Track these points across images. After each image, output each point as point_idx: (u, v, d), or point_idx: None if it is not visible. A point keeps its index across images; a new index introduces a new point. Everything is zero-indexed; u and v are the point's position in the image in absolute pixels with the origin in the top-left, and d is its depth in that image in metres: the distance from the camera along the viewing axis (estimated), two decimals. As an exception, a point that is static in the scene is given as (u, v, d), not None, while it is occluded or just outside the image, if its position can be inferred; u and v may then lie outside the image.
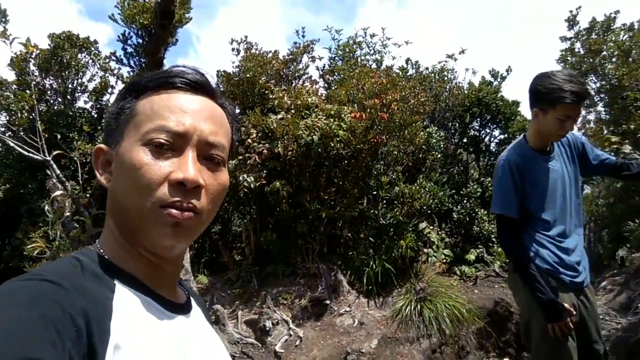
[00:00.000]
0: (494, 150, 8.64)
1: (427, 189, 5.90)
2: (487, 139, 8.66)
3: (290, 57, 6.85)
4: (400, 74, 7.89)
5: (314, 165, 5.79)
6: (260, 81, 6.56)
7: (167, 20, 4.40)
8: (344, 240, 6.38)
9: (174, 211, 0.68)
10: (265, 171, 5.59)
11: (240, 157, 5.80)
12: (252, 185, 5.39)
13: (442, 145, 7.46)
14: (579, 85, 2.18)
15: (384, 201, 6.04)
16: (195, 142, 0.71)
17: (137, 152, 0.69)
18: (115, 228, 0.74)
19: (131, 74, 6.50)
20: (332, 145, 5.50)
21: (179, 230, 0.69)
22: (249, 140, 5.63)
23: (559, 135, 2.32)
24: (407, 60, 8.48)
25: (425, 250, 6.00)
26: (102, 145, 0.77)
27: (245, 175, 5.46)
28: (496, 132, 8.56)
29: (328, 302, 5.71)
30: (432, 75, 8.23)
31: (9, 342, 0.50)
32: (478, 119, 8.42)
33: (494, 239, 8.00)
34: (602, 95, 6.05)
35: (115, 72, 7.61)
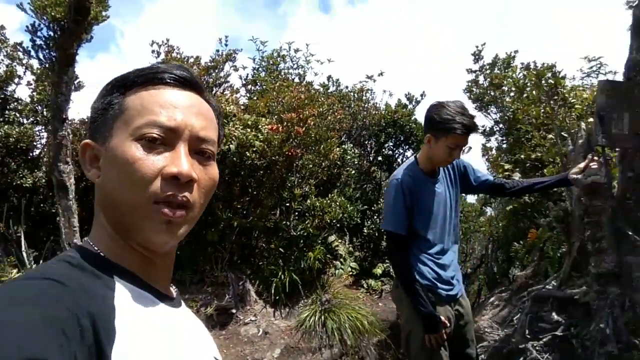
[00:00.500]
0: (405, 169, 9.09)
1: (337, 203, 6.10)
2: (400, 158, 9.09)
3: (212, 64, 6.84)
4: (321, 90, 8.12)
5: (228, 174, 5.80)
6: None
7: (82, 16, 4.27)
8: (256, 250, 6.43)
9: (166, 210, 0.68)
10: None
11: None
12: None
13: (356, 162, 7.74)
14: (468, 119, 2.43)
15: (296, 213, 6.17)
16: (186, 137, 0.72)
17: (129, 148, 0.69)
18: (108, 224, 0.73)
19: (42, 66, 6.16)
20: (248, 155, 5.56)
21: (171, 227, 0.70)
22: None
23: (447, 162, 2.55)
24: (329, 78, 8.74)
25: (333, 262, 6.19)
26: (89, 141, 0.76)
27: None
28: (409, 153, 9.01)
29: (234, 311, 5.72)
30: (352, 93, 8.54)
31: (14, 342, 0.48)
32: (392, 139, 8.83)
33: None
34: (500, 126, 6.58)
35: (25, 62, 7.16)
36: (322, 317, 5.63)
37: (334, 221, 6.13)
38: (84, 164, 0.76)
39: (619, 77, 3.12)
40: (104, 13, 4.59)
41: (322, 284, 6.11)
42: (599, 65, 5.72)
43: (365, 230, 8.20)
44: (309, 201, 6.02)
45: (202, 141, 0.74)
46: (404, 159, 9.22)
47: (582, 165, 2.60)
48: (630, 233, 2.80)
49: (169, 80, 0.75)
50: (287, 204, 6.17)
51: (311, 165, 6.41)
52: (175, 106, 0.73)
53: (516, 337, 3.52)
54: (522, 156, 5.50)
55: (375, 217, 8.26)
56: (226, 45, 7.41)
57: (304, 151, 6.08)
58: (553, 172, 4.04)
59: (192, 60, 6.95)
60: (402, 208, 2.52)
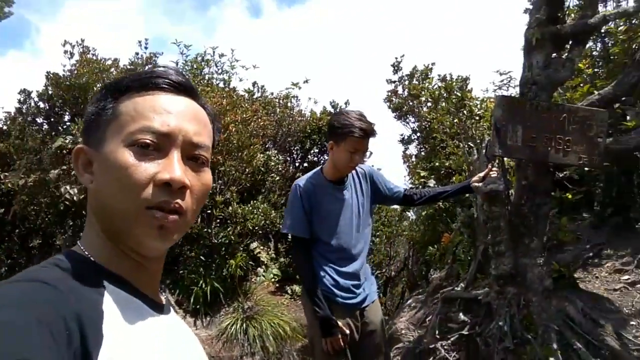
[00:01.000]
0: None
1: (260, 210, 6.08)
2: (325, 165, 9.22)
3: (131, 67, 6.60)
4: (246, 96, 8.07)
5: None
6: (95, 88, 6.20)
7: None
8: (177, 259, 6.26)
9: (159, 214, 0.68)
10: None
11: (65, 167, 5.40)
12: (74, 198, 5.04)
13: (281, 169, 7.76)
14: (366, 124, 2.51)
15: (218, 220, 6.08)
16: (180, 143, 0.71)
17: (122, 154, 0.68)
18: (100, 229, 0.72)
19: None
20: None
21: (164, 232, 0.69)
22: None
23: (349, 167, 2.59)
24: (254, 84, 8.70)
25: (255, 270, 6.15)
26: (82, 146, 0.75)
27: (68, 187, 5.10)
28: (333, 160, 9.17)
29: (152, 322, 5.52)
30: (277, 100, 8.56)
31: (4, 344, 0.49)
32: (318, 146, 8.94)
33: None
34: (418, 135, 6.86)
35: None
36: (244, 325, 5.57)
37: (256, 228, 6.09)
38: (77, 168, 0.76)
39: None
40: (6, 9, 4.31)
41: (245, 291, 6.05)
42: (508, 79, 6.13)
43: (289, 236, 8.22)
44: (230, 208, 5.95)
45: (196, 147, 0.74)
46: (329, 166, 9.35)
47: (482, 174, 2.77)
48: (524, 236, 3.01)
49: (163, 86, 0.75)
50: (209, 211, 6.06)
51: (234, 172, 6.35)
52: (169, 111, 0.72)
53: (427, 338, 3.67)
54: (437, 164, 5.76)
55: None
56: (146, 48, 7.19)
57: (226, 158, 6.02)
58: (461, 179, 4.27)
59: (109, 62, 6.69)
60: (300, 212, 2.58)
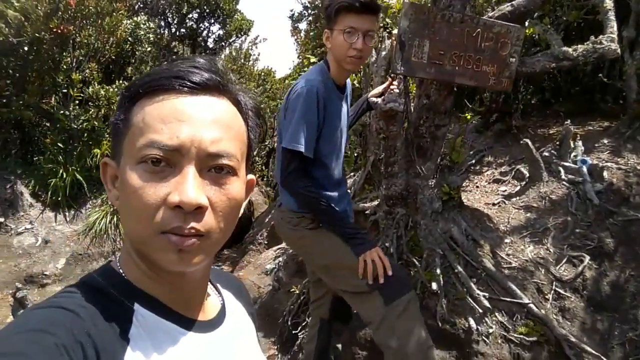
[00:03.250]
0: (211, 45, 8.35)
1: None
2: (205, 33, 8.27)
3: None
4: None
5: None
6: None
7: None
8: (29, 146, 5.38)
9: (173, 238, 0.60)
10: None
11: None
12: None
13: (152, 37, 6.75)
14: None
15: (77, 102, 5.20)
16: (193, 155, 0.61)
17: (132, 173, 0.61)
18: (131, 249, 0.67)
19: None
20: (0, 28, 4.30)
21: (184, 255, 0.62)
22: None
23: (350, 58, 1.98)
24: None
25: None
26: (107, 159, 0.69)
27: None
28: (215, 28, 8.23)
29: (2, 219, 4.82)
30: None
31: None
32: (197, 11, 7.88)
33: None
34: (309, 11, 6.25)
35: None
36: (115, 219, 5.11)
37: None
38: (106, 183, 0.70)
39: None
40: None
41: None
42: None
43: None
44: (91, 88, 5.08)
45: (215, 157, 0.63)
46: (210, 34, 8.41)
47: (380, 88, 2.44)
48: (417, 158, 2.86)
49: (176, 87, 0.63)
50: (65, 91, 5.13)
51: (93, 43, 5.34)
52: (180, 119, 0.62)
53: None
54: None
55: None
56: None
57: (83, 25, 4.97)
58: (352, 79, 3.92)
59: None
60: (315, 123, 1.99)
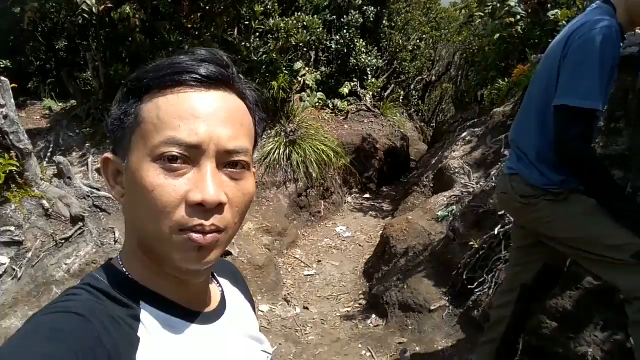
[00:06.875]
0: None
1: (305, 24, 5.30)
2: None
3: None
4: None
5: (173, -14, 4.80)
6: None
7: None
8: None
9: (195, 235, 0.61)
10: (110, -10, 4.51)
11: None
12: (93, 9, 4.36)
13: (326, -35, 6.62)
14: None
15: (257, 34, 5.37)
16: (212, 152, 0.62)
17: (148, 171, 0.61)
18: (137, 247, 0.68)
19: None
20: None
21: (203, 252, 0.63)
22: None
23: None
24: None
25: (298, 95, 5.66)
26: (110, 155, 0.69)
27: (84, -7, 4.36)
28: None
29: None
30: None
31: None
32: None
33: (369, 72, 7.88)
34: None
35: None
36: (287, 151, 5.35)
37: (301, 45, 5.40)
38: (108, 179, 0.69)
39: None
40: None
41: (287, 113, 5.69)
42: None
43: (333, 46, 7.48)
44: (271, 21, 5.19)
45: (232, 153, 0.64)
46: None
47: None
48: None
49: (190, 82, 0.63)
50: (247, 23, 5.32)
51: (274, -27, 5.39)
52: (197, 116, 0.62)
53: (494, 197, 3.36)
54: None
55: (344, 31, 7.46)
56: None
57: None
58: (569, 15, 3.40)
59: None
60: (607, 74, 1.66)
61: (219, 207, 0.62)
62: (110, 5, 4.47)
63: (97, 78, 5.11)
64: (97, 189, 4.46)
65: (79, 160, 4.89)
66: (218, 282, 0.84)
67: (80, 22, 4.24)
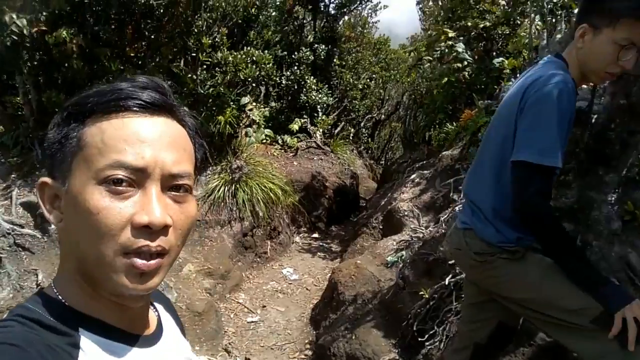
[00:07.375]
0: (332, 12, 8.05)
1: (254, 58, 5.17)
2: (328, -2, 7.97)
3: None
4: None
5: (117, 13, 4.57)
6: None
7: None
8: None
9: (138, 261, 0.61)
10: (45, 13, 4.21)
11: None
12: (24, 31, 4.05)
13: (278, 1, 6.59)
14: None
15: (204, 67, 5.20)
16: (158, 176, 0.63)
17: (92, 194, 0.60)
18: (74, 271, 0.66)
19: None
20: (141, -10, 4.32)
21: (146, 277, 0.63)
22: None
23: (607, 74, 1.63)
24: None
25: (245, 130, 5.48)
26: (47, 179, 0.67)
27: (14, 15, 4.05)
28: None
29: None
30: None
31: None
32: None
33: (319, 109, 7.83)
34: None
35: None
36: (233, 188, 5.12)
37: (249, 80, 5.26)
38: (44, 204, 0.67)
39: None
40: None
41: (233, 149, 5.48)
42: None
43: (284, 81, 7.40)
44: (220, 54, 5.03)
45: (176, 177, 0.65)
46: (332, 0, 8.09)
47: None
48: (600, 166, 2.43)
49: (134, 108, 0.64)
50: (194, 55, 5.13)
51: (224, 6, 5.27)
52: (142, 140, 0.63)
53: (445, 247, 3.26)
54: (469, 23, 4.80)
55: (295, 67, 7.41)
56: None
57: (216, -12, 4.89)
58: (515, 64, 3.45)
59: None
60: (565, 130, 1.58)
61: (164, 229, 0.63)
62: (44, 28, 4.17)
63: (29, 104, 4.73)
64: (21, 226, 4.06)
65: (2, 193, 4.44)
66: (154, 307, 0.83)
67: (8, 43, 3.91)
